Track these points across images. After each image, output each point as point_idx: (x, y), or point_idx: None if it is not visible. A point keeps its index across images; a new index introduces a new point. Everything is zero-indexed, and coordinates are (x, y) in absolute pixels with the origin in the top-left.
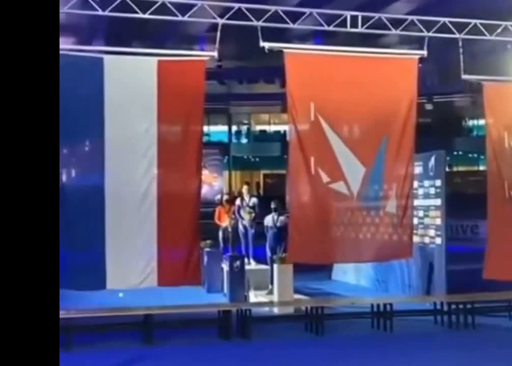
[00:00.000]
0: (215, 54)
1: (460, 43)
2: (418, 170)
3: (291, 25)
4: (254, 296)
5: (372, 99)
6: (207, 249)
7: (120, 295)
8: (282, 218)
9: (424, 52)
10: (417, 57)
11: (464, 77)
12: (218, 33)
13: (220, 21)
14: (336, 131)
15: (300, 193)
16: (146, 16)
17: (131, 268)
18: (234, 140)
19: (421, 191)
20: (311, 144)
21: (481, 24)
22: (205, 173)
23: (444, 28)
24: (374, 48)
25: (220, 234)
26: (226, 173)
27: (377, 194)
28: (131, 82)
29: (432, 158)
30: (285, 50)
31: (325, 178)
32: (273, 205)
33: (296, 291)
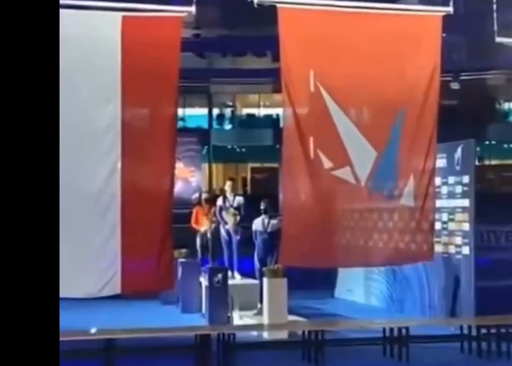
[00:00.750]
0: (192, 9)
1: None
2: (441, 163)
3: None
4: (239, 318)
5: (386, 65)
6: (182, 259)
7: (93, 331)
8: (274, 222)
9: (450, 9)
10: (442, 14)
11: (499, 39)
12: None
13: None
14: (340, 105)
15: (296, 182)
16: None
17: (88, 272)
18: (215, 126)
19: (444, 190)
20: (309, 121)
21: None
22: (179, 166)
23: None
24: (389, 4)
25: (198, 240)
26: (205, 166)
27: (390, 183)
28: (86, 46)
29: (459, 149)
30: (278, 5)
31: (327, 163)
32: (262, 206)
33: (292, 311)
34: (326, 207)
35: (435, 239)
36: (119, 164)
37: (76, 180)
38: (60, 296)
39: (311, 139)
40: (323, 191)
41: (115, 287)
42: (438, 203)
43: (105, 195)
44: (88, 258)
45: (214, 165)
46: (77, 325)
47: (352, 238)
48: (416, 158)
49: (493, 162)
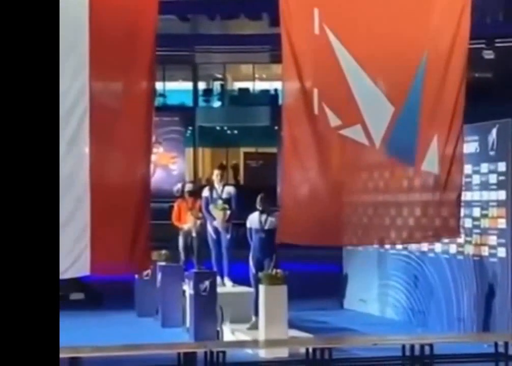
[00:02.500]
0: None
1: None
2: (472, 148)
3: None
4: (231, 332)
5: (405, 3)
6: (162, 263)
7: None
8: (272, 219)
9: None
10: None
11: None
12: None
13: None
14: (350, 51)
15: (296, 143)
16: None
17: None
18: (202, 103)
19: (476, 180)
20: (314, 69)
21: None
22: (158, 151)
23: None
24: None
25: (181, 240)
26: (189, 151)
27: (410, 145)
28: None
29: (494, 131)
30: None
31: (334, 120)
32: (259, 200)
33: (293, 324)
34: (332, 173)
35: (466, 238)
36: (87, 149)
37: None
38: None
39: (315, 91)
40: (329, 155)
41: (83, 268)
42: (469, 196)
43: (75, 182)
44: None
45: (199, 151)
46: None
47: (363, 211)
48: (441, 115)
49: None
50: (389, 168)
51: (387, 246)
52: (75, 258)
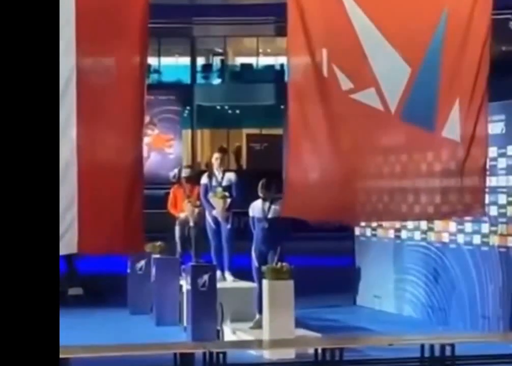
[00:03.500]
0: None
1: None
2: (497, 128)
3: None
4: (232, 332)
5: None
6: (156, 255)
7: None
8: (276, 207)
9: None
10: None
11: None
12: None
13: None
14: (363, 9)
15: (304, 108)
16: None
17: None
18: (200, 80)
19: (502, 163)
20: (323, 28)
21: None
22: (153, 133)
23: None
24: None
25: (177, 230)
26: (187, 133)
27: (429, 110)
28: None
29: None
30: None
31: (345, 83)
32: (261, 186)
33: (300, 323)
34: (342, 142)
35: (491, 228)
36: (74, 130)
37: None
38: None
39: (324, 51)
40: (339, 121)
41: (69, 246)
42: (494, 181)
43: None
44: None
45: (198, 132)
46: None
47: (376, 183)
48: (462, 77)
49: None
50: (405, 134)
51: (404, 237)
52: (60, 235)
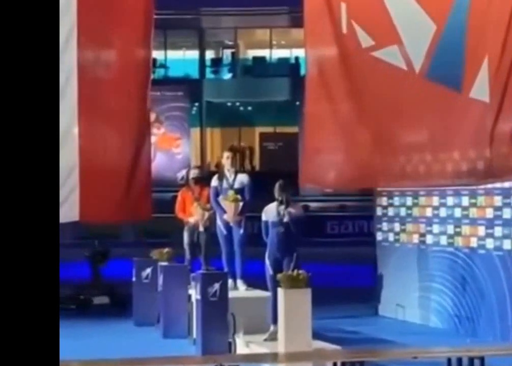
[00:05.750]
0: None
1: None
2: None
3: None
4: (245, 344)
5: None
6: (164, 263)
7: None
8: (292, 210)
9: None
10: None
11: None
12: None
13: None
14: None
15: (322, 68)
16: None
17: None
18: (209, 75)
19: None
20: None
21: None
22: (160, 132)
23: None
24: None
25: (186, 236)
26: (195, 131)
27: (456, 69)
28: None
29: None
30: None
31: (366, 40)
32: (277, 188)
33: (318, 334)
34: (363, 102)
35: None
36: (76, 130)
37: None
38: None
39: (343, 6)
40: (360, 82)
41: (70, 213)
42: None
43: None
44: None
45: (207, 131)
46: None
47: (399, 147)
48: (491, 34)
49: None
50: (431, 95)
51: (429, 242)
52: (60, 202)
